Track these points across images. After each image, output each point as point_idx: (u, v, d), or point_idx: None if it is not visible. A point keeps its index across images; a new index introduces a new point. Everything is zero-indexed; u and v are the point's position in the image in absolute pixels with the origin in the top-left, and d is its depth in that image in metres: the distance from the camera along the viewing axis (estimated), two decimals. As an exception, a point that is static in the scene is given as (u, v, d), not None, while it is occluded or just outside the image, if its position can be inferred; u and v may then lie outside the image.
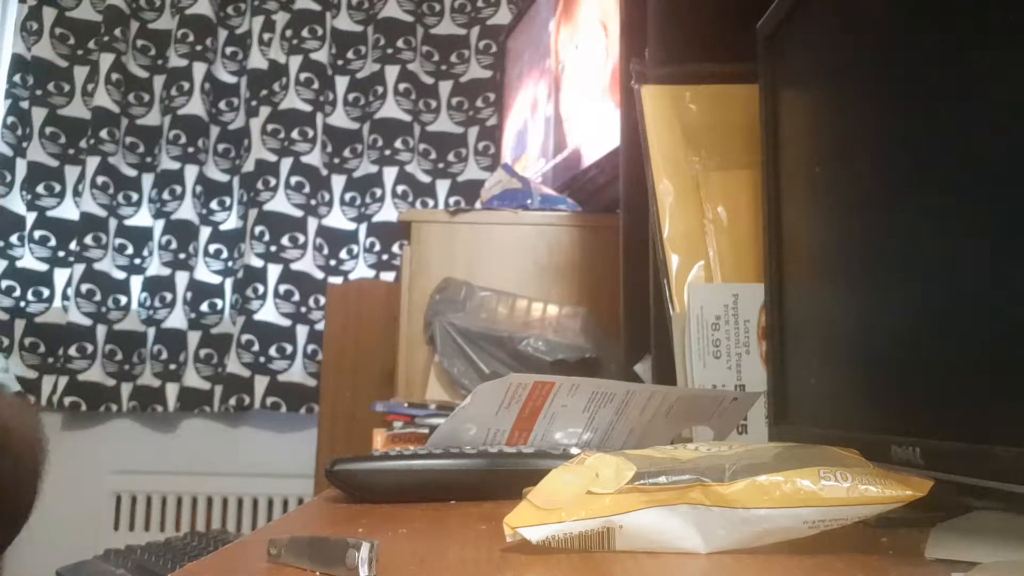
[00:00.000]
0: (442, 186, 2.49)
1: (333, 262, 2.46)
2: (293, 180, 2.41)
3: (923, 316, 0.48)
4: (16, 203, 2.47)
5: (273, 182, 2.41)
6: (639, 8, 1.01)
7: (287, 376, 2.36)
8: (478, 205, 1.59)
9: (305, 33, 2.48)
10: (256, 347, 2.35)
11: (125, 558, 1.42)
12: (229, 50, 2.55)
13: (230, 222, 2.50)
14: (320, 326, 2.36)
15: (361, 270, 2.46)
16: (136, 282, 2.46)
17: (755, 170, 0.74)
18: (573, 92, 1.63)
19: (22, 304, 2.43)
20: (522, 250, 1.49)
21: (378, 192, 2.47)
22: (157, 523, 2.37)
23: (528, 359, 1.27)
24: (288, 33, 2.48)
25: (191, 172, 2.48)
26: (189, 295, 2.43)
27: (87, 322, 2.37)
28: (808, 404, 0.64)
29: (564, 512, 0.41)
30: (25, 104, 2.49)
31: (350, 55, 2.53)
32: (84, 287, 2.38)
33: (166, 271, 2.44)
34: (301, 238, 2.41)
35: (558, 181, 1.66)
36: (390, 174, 2.46)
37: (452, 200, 2.46)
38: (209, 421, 2.44)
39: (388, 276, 2.41)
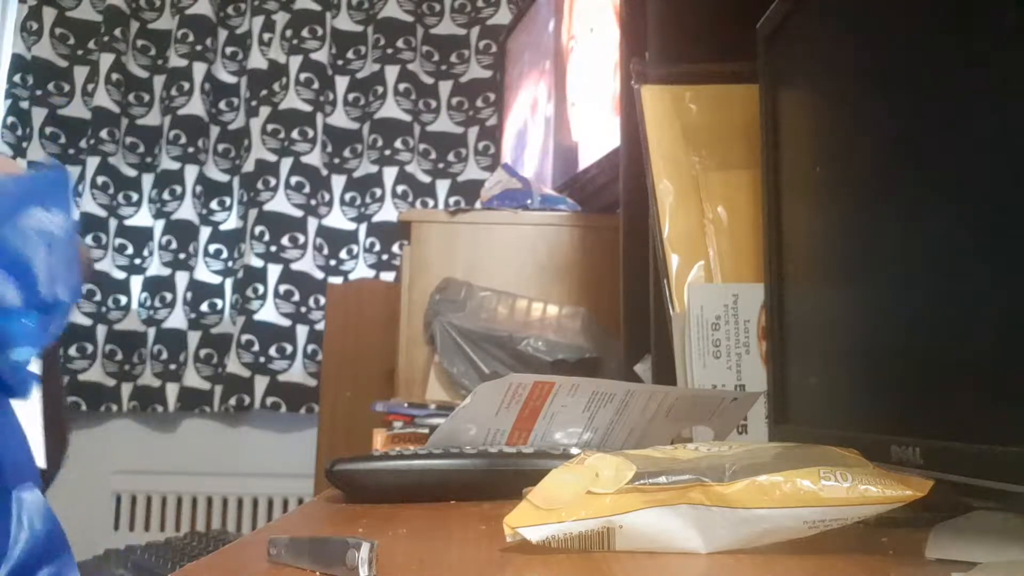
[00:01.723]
0: (442, 186, 2.49)
1: (333, 262, 2.47)
2: (293, 180, 2.41)
3: (923, 316, 0.48)
4: (16, 203, 2.46)
5: (273, 182, 2.41)
6: (639, 8, 1.01)
7: (287, 376, 2.36)
8: (478, 205, 1.59)
9: (305, 33, 2.48)
10: (256, 347, 2.35)
11: (125, 558, 1.42)
12: (229, 50, 2.55)
13: (230, 222, 2.50)
14: (320, 326, 2.36)
15: (361, 270, 2.47)
16: (136, 282, 2.46)
17: (755, 170, 0.74)
18: (580, 79, 1.62)
19: (22, 304, 2.42)
20: (522, 250, 1.49)
21: (378, 192, 2.47)
22: (157, 523, 2.37)
23: (528, 359, 1.27)
24: (288, 33, 2.48)
25: (191, 172, 2.48)
26: (189, 295, 2.43)
27: (87, 322, 2.37)
28: (808, 404, 0.64)
29: (564, 512, 0.41)
30: (25, 104, 2.49)
31: (350, 55, 2.53)
32: (84, 287, 2.38)
33: (166, 271, 2.44)
34: (301, 238, 2.41)
35: (558, 181, 1.66)
36: (390, 174, 2.46)
37: (452, 200, 2.46)
38: (209, 421, 2.44)
39: (388, 276, 2.41)
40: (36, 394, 0.36)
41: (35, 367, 0.36)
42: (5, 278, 0.36)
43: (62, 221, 0.38)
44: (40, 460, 0.36)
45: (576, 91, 1.64)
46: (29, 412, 0.36)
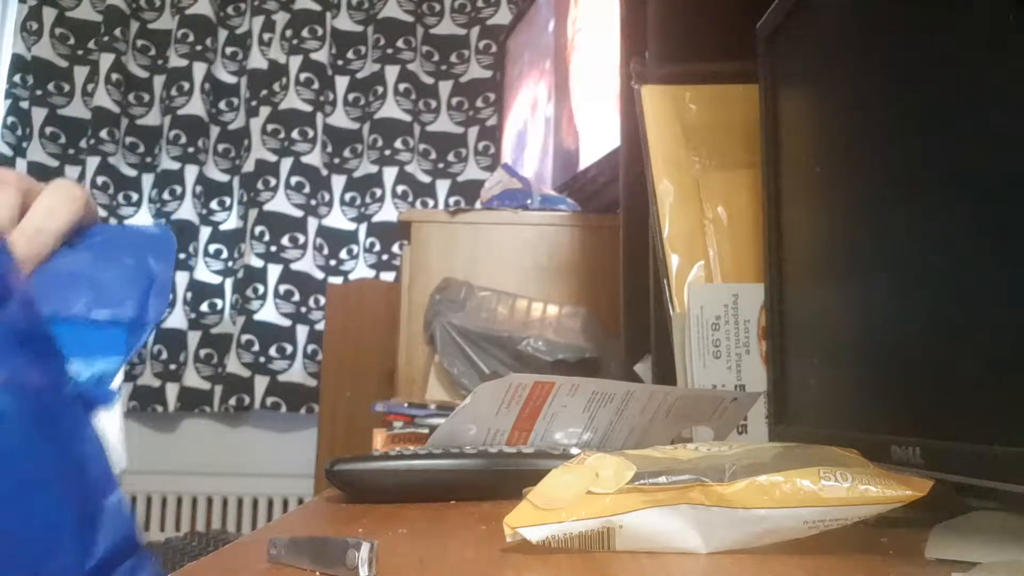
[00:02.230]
0: (442, 186, 2.49)
1: (333, 262, 2.47)
2: (293, 180, 2.41)
3: (923, 316, 0.48)
4: (16, 203, 2.47)
5: (273, 182, 2.41)
6: (639, 8, 1.01)
7: (287, 376, 2.36)
8: (478, 205, 1.59)
9: (305, 33, 2.48)
10: (256, 347, 2.35)
11: (125, 558, 1.42)
12: (229, 50, 2.55)
13: (230, 222, 2.50)
14: (320, 326, 2.36)
15: (361, 270, 2.47)
16: (136, 282, 2.46)
17: (755, 170, 0.74)
18: (583, 77, 1.62)
19: (22, 304, 2.43)
20: (522, 250, 1.49)
21: (378, 192, 2.47)
22: (157, 523, 2.37)
23: (528, 359, 1.27)
24: (288, 33, 2.48)
25: (191, 172, 2.48)
26: (189, 295, 2.43)
27: (87, 322, 2.37)
28: (808, 404, 0.64)
29: (564, 512, 0.41)
30: (25, 104, 2.49)
31: (350, 55, 2.53)
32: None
33: (166, 271, 2.44)
34: (301, 238, 2.41)
35: (558, 181, 1.66)
36: (390, 174, 2.46)
37: (452, 200, 2.46)
38: (209, 421, 2.44)
39: (388, 276, 2.41)
40: (118, 404, 0.39)
41: (118, 381, 0.39)
42: (100, 295, 0.40)
43: (164, 271, 0.43)
44: (122, 461, 0.38)
45: (579, 87, 1.64)
46: (111, 417, 0.38)
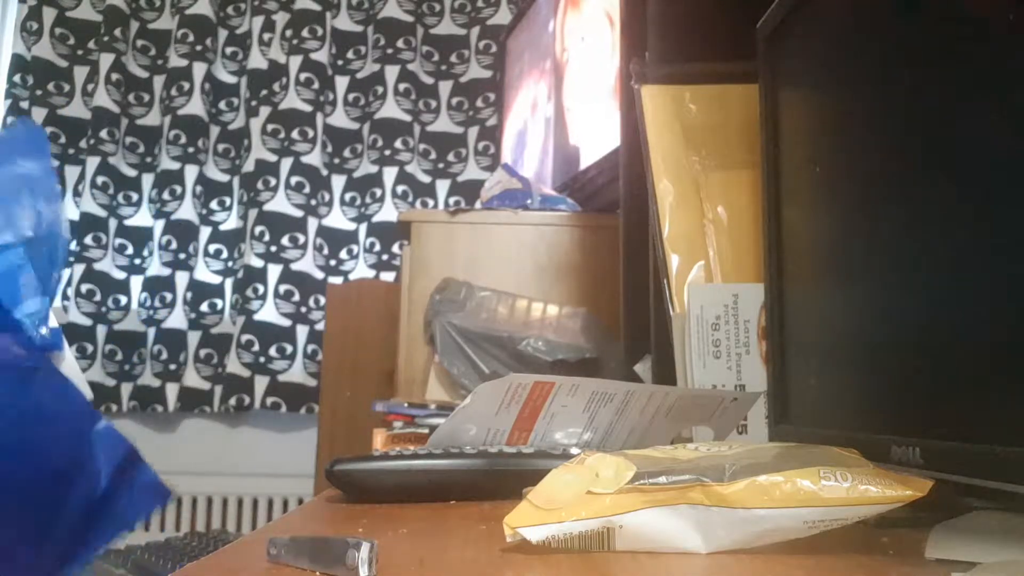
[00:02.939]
0: (442, 186, 2.49)
1: (333, 262, 2.47)
2: (293, 180, 2.41)
3: (923, 316, 0.48)
4: (16, 203, 2.46)
5: (273, 182, 2.41)
6: (639, 8, 1.01)
7: (287, 376, 2.36)
8: (478, 205, 1.60)
9: (305, 33, 2.48)
10: (256, 347, 2.35)
11: (125, 558, 1.42)
12: (229, 50, 2.55)
13: (230, 222, 2.50)
14: (320, 326, 2.36)
15: (361, 270, 2.47)
16: (136, 282, 2.46)
17: (755, 170, 0.74)
18: (577, 85, 1.63)
19: (22, 304, 2.42)
20: (522, 250, 1.49)
21: (378, 192, 2.47)
22: (157, 523, 2.37)
23: (528, 359, 1.27)
24: (288, 33, 2.48)
25: (191, 172, 2.48)
26: (189, 295, 2.43)
27: (87, 322, 2.37)
28: (808, 404, 0.64)
29: (564, 512, 0.41)
30: (25, 104, 2.49)
31: (350, 55, 2.53)
32: (84, 287, 2.38)
33: (166, 271, 2.44)
34: (301, 238, 2.41)
35: (558, 181, 1.66)
36: (390, 174, 2.46)
37: (452, 200, 2.46)
38: (209, 421, 2.44)
39: (388, 276, 2.41)
40: (65, 344, 0.39)
41: (54, 321, 0.39)
42: None
43: (41, 169, 0.42)
44: (88, 394, 0.38)
45: (573, 98, 1.64)
46: (66, 358, 0.38)
